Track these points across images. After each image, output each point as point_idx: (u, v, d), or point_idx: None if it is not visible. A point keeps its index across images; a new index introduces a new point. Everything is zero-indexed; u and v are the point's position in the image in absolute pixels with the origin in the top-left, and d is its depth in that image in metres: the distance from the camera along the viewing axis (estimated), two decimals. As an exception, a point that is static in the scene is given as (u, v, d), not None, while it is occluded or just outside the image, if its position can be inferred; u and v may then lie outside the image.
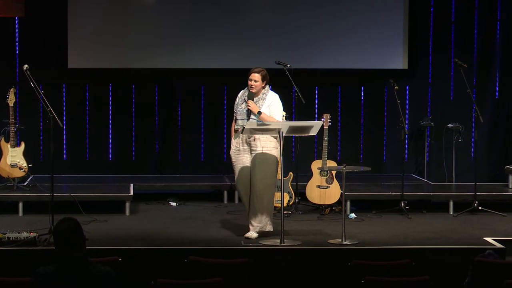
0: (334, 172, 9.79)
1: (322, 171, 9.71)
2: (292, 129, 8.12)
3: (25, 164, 10.08)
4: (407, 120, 11.73)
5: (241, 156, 8.25)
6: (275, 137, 8.17)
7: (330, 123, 9.80)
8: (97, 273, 4.73)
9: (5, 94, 10.13)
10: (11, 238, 7.62)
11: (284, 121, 8.53)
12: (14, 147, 10.08)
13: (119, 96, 11.82)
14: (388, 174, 11.64)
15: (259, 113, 8.15)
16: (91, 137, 11.81)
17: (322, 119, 9.68)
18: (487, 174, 11.78)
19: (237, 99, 8.39)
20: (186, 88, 11.92)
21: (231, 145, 8.34)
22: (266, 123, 8.14)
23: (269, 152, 8.18)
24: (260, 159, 8.16)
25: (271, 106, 8.23)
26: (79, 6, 11.47)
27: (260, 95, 8.25)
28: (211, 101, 11.91)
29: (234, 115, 8.40)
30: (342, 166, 8.27)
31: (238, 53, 11.65)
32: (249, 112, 8.19)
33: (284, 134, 8.02)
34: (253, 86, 8.20)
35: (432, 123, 11.80)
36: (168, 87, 11.89)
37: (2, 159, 10.09)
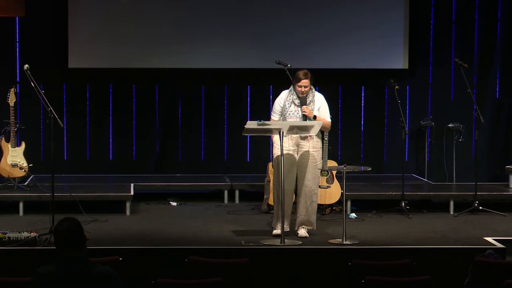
0: (334, 172, 9.79)
1: (323, 171, 9.70)
2: (292, 128, 8.13)
3: (25, 164, 10.08)
4: (407, 120, 11.73)
5: (290, 157, 8.27)
6: (320, 138, 8.43)
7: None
8: (97, 273, 4.73)
9: (5, 94, 10.13)
10: (11, 238, 7.63)
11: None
12: (15, 147, 10.08)
13: (120, 96, 11.81)
14: (389, 174, 11.63)
15: (314, 117, 8.30)
16: (91, 137, 11.81)
17: (323, 119, 9.68)
18: (488, 174, 11.78)
19: (282, 100, 8.41)
20: (186, 88, 11.91)
21: (275, 144, 8.33)
22: (266, 122, 8.19)
23: (317, 152, 8.39)
24: (311, 159, 8.36)
25: (321, 108, 8.41)
26: (79, 6, 11.47)
27: (310, 98, 8.36)
28: (211, 101, 11.91)
29: (274, 114, 8.41)
30: (343, 166, 8.27)
31: (238, 53, 11.65)
32: (305, 117, 8.28)
33: (284, 134, 8.05)
34: (304, 92, 8.29)
35: (433, 123, 11.80)
36: (168, 87, 11.89)
37: (3, 159, 10.09)
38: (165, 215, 9.81)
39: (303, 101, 8.30)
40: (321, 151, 8.47)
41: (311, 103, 8.33)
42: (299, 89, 8.28)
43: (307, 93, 8.31)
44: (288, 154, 8.24)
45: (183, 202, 10.59)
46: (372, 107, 12.01)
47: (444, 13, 11.91)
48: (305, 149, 8.35)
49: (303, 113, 8.27)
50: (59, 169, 10.47)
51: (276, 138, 8.36)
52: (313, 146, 8.37)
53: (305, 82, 8.27)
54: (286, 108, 8.34)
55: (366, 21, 11.68)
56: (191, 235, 8.46)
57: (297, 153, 8.36)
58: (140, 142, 11.88)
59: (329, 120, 8.46)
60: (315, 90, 8.51)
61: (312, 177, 8.38)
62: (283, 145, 8.21)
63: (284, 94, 8.44)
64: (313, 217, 8.47)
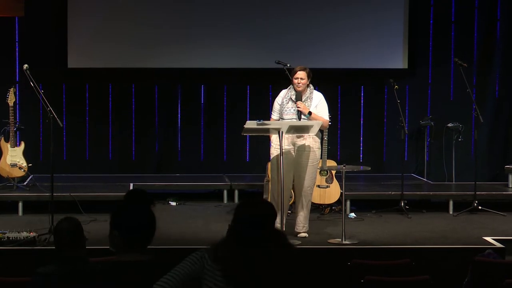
0: (334, 172, 9.80)
1: (322, 170, 9.71)
2: (292, 128, 8.13)
3: (25, 164, 10.08)
4: (407, 120, 11.73)
5: (286, 155, 8.24)
6: (319, 138, 8.37)
7: (330, 123, 9.79)
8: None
9: (5, 93, 10.13)
10: (11, 238, 7.63)
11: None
12: (14, 147, 10.09)
13: (119, 95, 11.82)
14: (388, 174, 11.64)
15: (310, 113, 8.26)
16: (91, 136, 11.81)
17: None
18: (487, 174, 11.78)
19: (280, 98, 8.42)
20: (186, 87, 11.92)
21: (273, 143, 8.35)
22: (266, 122, 8.18)
23: (315, 152, 8.34)
24: (307, 158, 8.32)
25: (318, 106, 8.36)
26: (79, 6, 11.48)
27: (307, 94, 8.33)
28: (211, 101, 11.91)
29: (273, 113, 8.42)
30: (342, 165, 8.28)
31: (238, 53, 11.66)
32: (299, 113, 8.24)
33: (284, 134, 8.05)
34: (300, 84, 8.26)
35: (432, 123, 11.80)
36: (168, 87, 11.90)
37: (2, 158, 10.09)
38: (165, 215, 9.80)
39: (298, 97, 8.29)
40: (318, 150, 8.44)
41: (308, 100, 8.32)
42: (295, 81, 8.28)
43: (303, 87, 8.29)
44: (284, 153, 8.23)
45: (183, 202, 10.60)
46: (372, 106, 12.02)
47: (444, 13, 11.92)
48: (301, 147, 8.33)
49: (298, 108, 8.26)
50: (58, 169, 10.46)
51: (273, 137, 8.37)
52: (310, 144, 8.34)
53: (300, 74, 8.27)
54: (284, 105, 8.35)
55: (366, 21, 11.69)
56: (191, 235, 8.46)
57: (294, 151, 8.35)
58: (140, 142, 11.88)
59: (327, 118, 8.43)
60: (315, 89, 8.51)
61: (308, 176, 8.35)
62: (277, 143, 8.23)
63: (283, 92, 8.47)
64: (308, 216, 8.43)
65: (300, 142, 8.32)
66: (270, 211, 4.22)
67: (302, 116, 8.27)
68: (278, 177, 8.26)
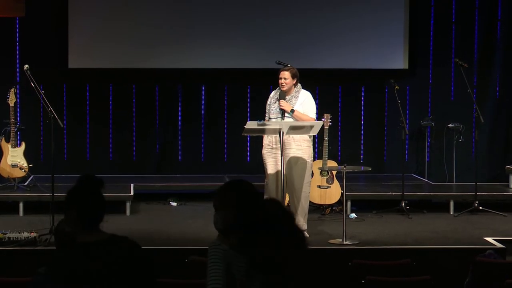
0: (334, 172, 9.80)
1: (323, 171, 9.71)
2: (292, 128, 8.13)
3: (25, 164, 10.08)
4: (407, 120, 11.72)
5: (274, 155, 8.24)
6: (310, 136, 8.32)
7: (330, 123, 9.81)
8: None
9: (5, 94, 10.13)
10: (11, 238, 7.64)
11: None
12: (15, 147, 10.09)
13: (120, 96, 11.82)
14: (389, 174, 11.63)
15: (292, 111, 8.25)
16: (91, 137, 11.81)
17: (323, 119, 9.66)
18: (488, 174, 11.77)
19: (269, 99, 8.49)
20: (186, 88, 11.92)
21: (263, 144, 8.37)
22: (266, 122, 8.18)
23: (304, 151, 8.28)
24: (296, 158, 8.26)
25: (304, 104, 8.33)
26: (79, 6, 11.48)
27: (293, 93, 8.33)
28: (212, 101, 11.91)
29: (266, 114, 8.46)
30: (343, 166, 8.27)
31: (238, 53, 11.65)
32: (283, 111, 8.24)
33: (284, 134, 8.04)
34: (284, 84, 8.28)
35: (433, 123, 11.80)
36: (168, 87, 11.90)
37: (3, 159, 10.09)
38: (165, 215, 9.81)
39: (281, 96, 8.32)
40: (308, 148, 8.35)
41: (293, 98, 8.31)
42: (280, 81, 8.33)
43: (288, 86, 8.28)
44: (271, 152, 8.23)
45: (183, 202, 10.60)
46: (372, 107, 12.01)
47: (444, 13, 11.91)
48: (288, 147, 8.29)
49: (280, 107, 8.26)
50: (59, 169, 10.44)
51: (264, 137, 8.36)
52: (297, 142, 8.29)
53: (283, 74, 8.30)
54: (271, 105, 8.38)
55: (366, 21, 11.68)
56: (191, 235, 8.46)
57: (281, 150, 8.27)
58: (140, 142, 11.88)
59: (312, 116, 8.33)
60: (309, 90, 8.51)
61: (298, 175, 8.27)
62: (266, 143, 8.24)
63: (272, 93, 8.50)
64: (301, 216, 8.29)
65: (287, 140, 8.26)
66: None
67: (286, 114, 8.27)
68: (272, 177, 8.25)
